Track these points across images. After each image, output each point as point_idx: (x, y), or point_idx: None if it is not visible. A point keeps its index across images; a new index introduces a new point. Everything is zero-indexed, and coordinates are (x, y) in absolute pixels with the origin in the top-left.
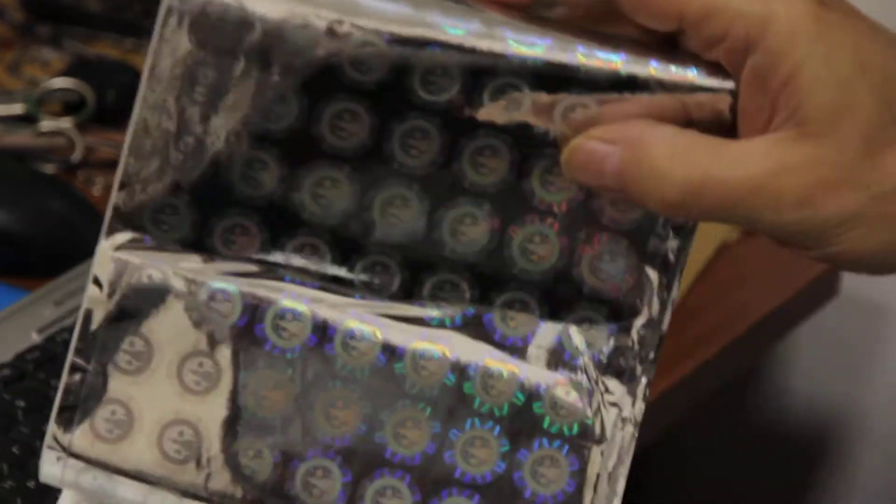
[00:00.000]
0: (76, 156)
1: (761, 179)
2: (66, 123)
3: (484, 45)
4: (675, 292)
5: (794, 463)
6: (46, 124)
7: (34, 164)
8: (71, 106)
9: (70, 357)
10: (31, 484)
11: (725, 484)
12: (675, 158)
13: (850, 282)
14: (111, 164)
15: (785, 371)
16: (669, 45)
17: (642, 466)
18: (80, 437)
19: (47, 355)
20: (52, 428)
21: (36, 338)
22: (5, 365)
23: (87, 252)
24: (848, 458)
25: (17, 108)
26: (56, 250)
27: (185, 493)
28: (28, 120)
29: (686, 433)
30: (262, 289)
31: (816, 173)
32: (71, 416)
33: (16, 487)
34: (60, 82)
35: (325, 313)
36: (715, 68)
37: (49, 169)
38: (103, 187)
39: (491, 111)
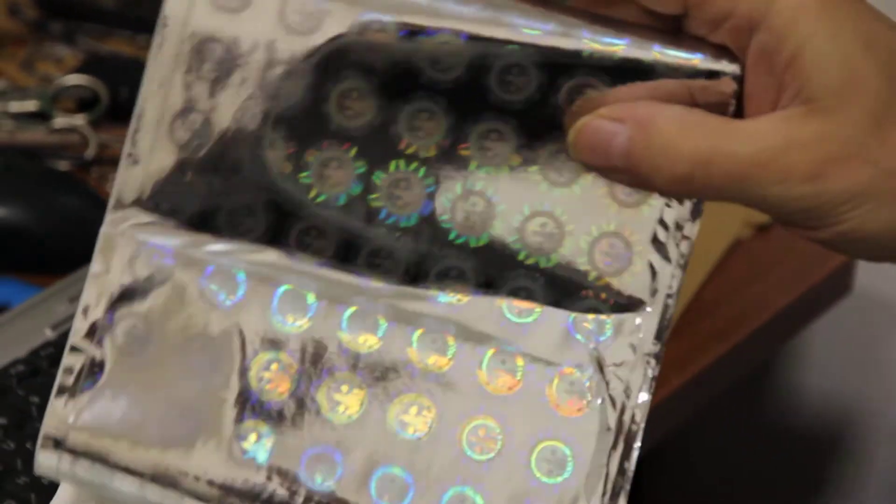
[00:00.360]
0: (90, 152)
1: (770, 154)
2: (79, 120)
3: (487, 32)
4: (681, 283)
5: (808, 459)
6: (60, 121)
7: (48, 161)
8: (84, 103)
9: (70, 338)
10: (45, 480)
11: (739, 480)
12: (684, 133)
13: (864, 278)
14: None
15: (799, 367)
16: (674, 30)
17: (657, 461)
18: (78, 422)
19: (61, 351)
20: (50, 412)
21: (50, 334)
22: (19, 361)
23: None
24: (862, 453)
25: (30, 105)
26: (69, 247)
27: (184, 481)
28: (42, 117)
29: (700, 429)
30: (267, 269)
31: (825, 148)
32: (70, 399)
33: (30, 483)
34: (74, 79)
35: (329, 296)
36: (720, 52)
37: (63, 166)
38: None
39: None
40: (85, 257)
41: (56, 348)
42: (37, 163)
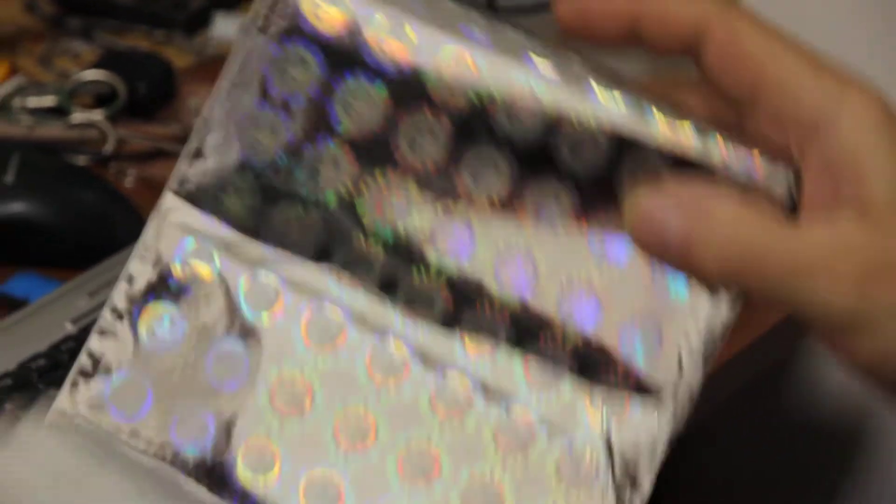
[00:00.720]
0: (108, 148)
1: (823, 256)
2: (97, 115)
3: (567, 102)
4: (699, 384)
5: (828, 453)
6: (78, 116)
7: (66, 157)
8: (102, 98)
9: (101, 317)
10: None
11: (757, 475)
12: (741, 221)
13: None
14: (143, 156)
15: (818, 362)
16: (734, 123)
17: (673, 457)
18: (90, 403)
19: (82, 345)
20: (64, 393)
21: (70, 328)
22: (40, 355)
23: (119, 244)
24: (882, 448)
25: (48, 101)
26: (88, 242)
27: (189, 473)
28: (60, 112)
29: (718, 424)
30: (305, 288)
31: (876, 257)
32: (85, 384)
33: None
34: (91, 74)
35: (361, 327)
36: (778, 155)
37: (81, 161)
38: (135, 179)
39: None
40: (103, 252)
41: (76, 342)
42: (55, 158)
